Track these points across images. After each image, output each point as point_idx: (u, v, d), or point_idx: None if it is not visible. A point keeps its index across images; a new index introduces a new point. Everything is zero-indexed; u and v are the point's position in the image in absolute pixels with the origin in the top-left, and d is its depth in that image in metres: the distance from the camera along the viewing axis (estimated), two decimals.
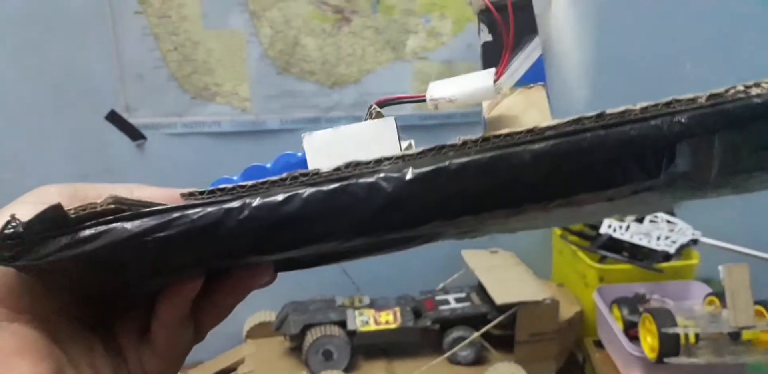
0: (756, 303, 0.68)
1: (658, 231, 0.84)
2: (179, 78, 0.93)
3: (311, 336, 0.86)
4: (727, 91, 0.20)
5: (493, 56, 0.28)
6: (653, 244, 0.84)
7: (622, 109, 0.20)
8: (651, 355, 0.69)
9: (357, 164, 0.21)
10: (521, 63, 0.28)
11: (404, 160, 0.20)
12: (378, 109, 0.29)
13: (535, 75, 0.29)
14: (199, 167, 0.94)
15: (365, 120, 0.29)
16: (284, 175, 0.21)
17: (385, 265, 1.01)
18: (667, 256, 0.84)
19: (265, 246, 0.21)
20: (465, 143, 0.20)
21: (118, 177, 0.94)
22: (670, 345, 0.66)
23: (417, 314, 0.89)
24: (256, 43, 0.91)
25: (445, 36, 0.94)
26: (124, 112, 0.93)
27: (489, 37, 0.29)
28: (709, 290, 0.80)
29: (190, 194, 0.22)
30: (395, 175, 0.20)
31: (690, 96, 0.20)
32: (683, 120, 0.20)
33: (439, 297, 0.92)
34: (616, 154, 0.20)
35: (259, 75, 0.93)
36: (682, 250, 0.85)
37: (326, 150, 0.26)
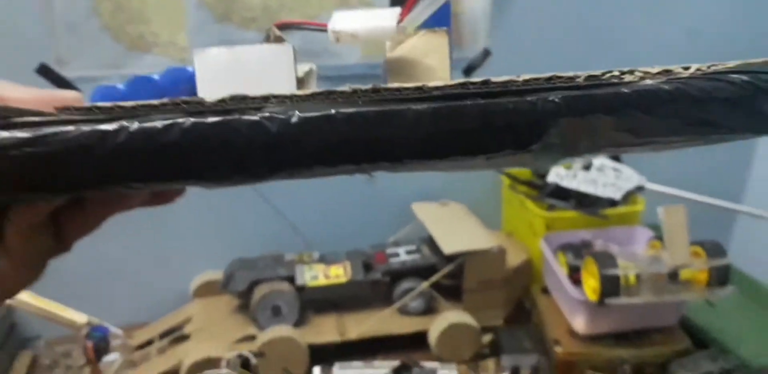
0: (694, 243, 0.70)
1: (604, 178, 0.85)
2: (113, 28, 0.88)
3: (259, 293, 0.85)
4: (603, 74, 0.22)
5: None
6: (599, 191, 0.85)
7: (506, 78, 0.21)
8: (593, 297, 0.70)
9: (243, 98, 0.20)
10: (427, 5, 0.28)
11: (292, 100, 0.20)
12: (278, 33, 0.28)
13: (440, 19, 0.29)
14: None
15: (263, 42, 0.28)
16: (166, 100, 0.20)
17: (336, 220, 1.00)
18: (613, 203, 0.85)
19: (140, 176, 0.20)
20: (355, 91, 0.21)
21: None
22: (610, 286, 0.67)
23: (367, 267, 0.89)
24: None
25: None
26: (56, 65, 0.88)
27: None
28: (652, 234, 0.81)
29: (66, 108, 0.21)
30: (281, 116, 0.20)
31: (570, 74, 0.22)
32: (557, 100, 0.21)
33: (389, 250, 0.92)
34: (492, 124, 0.21)
35: (197, 23, 0.89)
36: (629, 197, 0.86)
37: (218, 69, 0.25)
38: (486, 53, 0.77)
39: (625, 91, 0.21)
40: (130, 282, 0.97)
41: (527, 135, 0.21)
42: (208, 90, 0.25)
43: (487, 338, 0.85)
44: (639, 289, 0.69)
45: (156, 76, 0.28)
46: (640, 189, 0.85)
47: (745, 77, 0.22)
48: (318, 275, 0.87)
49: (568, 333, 0.79)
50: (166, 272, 0.97)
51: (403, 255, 0.90)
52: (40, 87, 0.83)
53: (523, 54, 0.94)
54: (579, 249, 0.79)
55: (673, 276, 0.69)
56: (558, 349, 0.77)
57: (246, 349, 0.79)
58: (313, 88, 0.28)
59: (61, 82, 0.89)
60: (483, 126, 0.21)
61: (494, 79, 0.21)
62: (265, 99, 0.20)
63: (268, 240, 0.96)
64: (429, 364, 0.79)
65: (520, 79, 0.21)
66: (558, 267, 0.78)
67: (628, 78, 0.22)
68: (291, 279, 0.86)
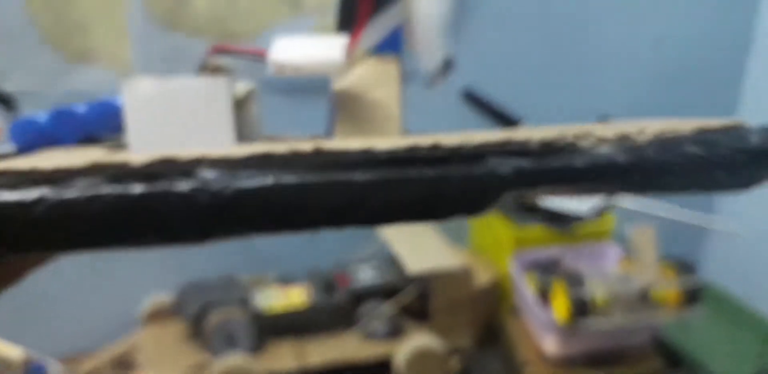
0: (665, 260, 0.67)
1: None
2: (53, 40, 0.83)
3: (212, 319, 0.80)
4: (557, 139, 0.21)
5: (349, 12, 0.26)
6: (569, 207, 0.82)
7: (457, 142, 0.21)
8: (562, 319, 0.67)
9: (173, 161, 0.19)
10: (378, 28, 0.26)
11: (227, 163, 0.19)
12: (216, 64, 0.26)
13: (392, 44, 0.27)
14: None
15: (199, 69, 0.26)
16: (89, 163, 0.19)
17: (294, 237, 0.95)
18: (582, 218, 0.82)
19: (61, 245, 0.19)
20: (296, 154, 0.20)
21: None
22: (579, 308, 0.64)
23: (328, 289, 0.85)
24: None
25: None
26: None
27: None
28: (623, 252, 0.79)
29: None
30: (213, 188, 0.18)
31: (523, 137, 0.21)
32: (508, 173, 0.20)
33: (351, 269, 0.87)
34: (441, 195, 0.20)
35: (141, 34, 0.84)
36: (599, 212, 0.83)
37: (148, 104, 0.23)
38: (448, 64, 0.74)
39: (578, 165, 0.21)
40: (73, 308, 0.92)
41: (477, 204, 0.21)
42: (137, 127, 0.24)
43: (455, 360, 0.81)
44: (609, 310, 0.66)
45: (81, 109, 0.26)
46: (610, 204, 0.83)
47: (699, 151, 0.22)
48: (275, 299, 0.83)
49: (538, 355, 0.75)
50: (111, 296, 0.92)
51: (365, 275, 0.85)
52: None
53: (487, 61, 0.92)
54: (548, 269, 0.76)
55: (644, 296, 0.66)
56: (528, 372, 0.73)
57: None
58: (253, 110, 0.27)
59: None
60: (431, 197, 0.20)
61: (444, 142, 0.21)
62: (198, 161, 0.19)
63: (221, 259, 0.91)
64: None
65: (472, 143, 0.21)
66: (526, 288, 0.75)
67: (582, 143, 0.22)
68: (246, 302, 0.82)
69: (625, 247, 0.80)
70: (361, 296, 0.84)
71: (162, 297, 0.90)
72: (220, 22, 0.85)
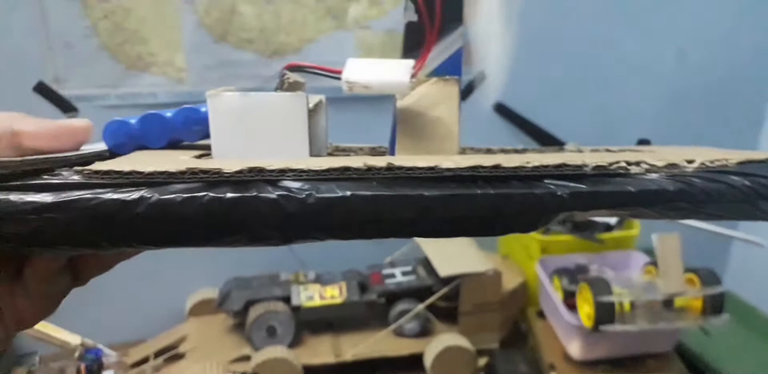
0: (689, 270, 0.70)
1: None
2: (111, 47, 0.89)
3: (254, 313, 0.84)
4: (611, 164, 0.23)
5: (415, 38, 0.28)
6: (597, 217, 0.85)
7: (516, 163, 0.22)
8: (587, 323, 0.70)
9: (260, 170, 0.21)
10: (440, 52, 0.28)
11: (308, 174, 0.21)
12: (292, 79, 0.28)
13: (452, 66, 0.29)
14: None
15: (277, 86, 0.28)
16: (184, 168, 0.20)
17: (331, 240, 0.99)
18: (608, 227, 0.85)
19: (156, 242, 0.21)
20: (369, 169, 0.21)
21: None
22: (604, 313, 0.67)
23: (363, 288, 0.89)
24: (191, 10, 0.87)
25: (387, 4, 0.91)
26: (54, 83, 0.89)
27: (414, 17, 0.28)
28: (648, 259, 0.81)
29: (87, 171, 0.21)
30: (297, 196, 0.20)
31: (579, 162, 0.22)
32: (564, 195, 0.22)
33: (385, 271, 0.91)
34: (501, 213, 0.22)
35: (194, 44, 0.89)
36: (624, 221, 0.86)
37: (231, 115, 0.25)
38: (481, 77, 0.78)
39: (631, 190, 0.22)
40: (126, 301, 0.97)
41: (533, 222, 0.22)
42: (221, 135, 0.26)
43: (482, 361, 0.84)
44: (633, 316, 0.69)
45: (169, 114, 0.27)
46: None
47: (746, 181, 0.23)
48: (313, 295, 0.87)
49: (564, 357, 0.78)
50: (160, 290, 0.97)
51: (399, 277, 0.89)
52: (37, 105, 0.83)
53: (516, 73, 0.94)
54: (574, 274, 0.79)
55: (668, 303, 0.69)
56: None
57: (240, 370, 0.79)
58: (322, 120, 0.29)
59: (58, 101, 0.90)
60: (492, 214, 0.21)
61: (504, 164, 0.22)
62: (282, 172, 0.21)
63: (263, 259, 0.96)
64: None
65: (530, 165, 0.22)
66: (553, 292, 0.78)
67: (634, 170, 0.23)
68: (286, 300, 0.86)
69: (650, 255, 0.82)
70: (395, 296, 0.88)
71: (208, 292, 0.95)
72: (268, 34, 0.90)
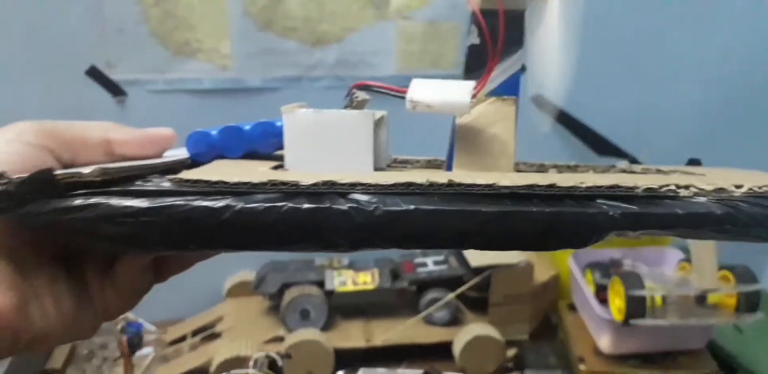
0: (723, 268, 0.69)
1: None
2: (160, 34, 0.91)
3: (289, 295, 0.87)
4: (661, 187, 0.24)
5: (476, 60, 0.30)
6: None
7: (570, 183, 0.23)
8: (618, 317, 0.70)
9: (333, 183, 0.23)
10: (499, 73, 0.30)
11: (376, 188, 0.23)
12: (361, 98, 0.30)
13: (510, 87, 0.30)
14: (180, 124, 0.92)
15: (346, 102, 0.30)
16: (266, 179, 0.22)
17: None
18: None
19: (238, 245, 0.22)
20: (432, 184, 0.23)
21: None
22: (636, 307, 0.67)
23: (395, 276, 0.90)
24: None
25: None
26: (105, 68, 0.92)
27: (477, 41, 0.29)
28: (682, 256, 0.81)
29: (178, 179, 0.23)
30: (366, 208, 0.22)
31: (630, 183, 0.24)
32: (616, 215, 0.23)
33: (417, 260, 0.93)
34: (555, 230, 0.23)
35: (240, 32, 0.91)
36: None
37: (304, 130, 0.28)
38: (522, 68, 0.77)
39: (679, 212, 0.23)
40: (168, 280, 1.00)
41: (585, 239, 0.23)
42: (294, 148, 0.28)
43: (511, 352, 0.85)
44: (665, 311, 0.68)
45: (247, 127, 0.30)
46: None
47: None
48: (346, 281, 0.89)
49: (594, 351, 0.79)
50: (201, 272, 0.99)
51: (430, 266, 0.91)
52: (89, 88, 0.86)
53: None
54: (607, 268, 0.79)
55: (701, 299, 0.68)
56: (582, 367, 0.77)
57: (274, 350, 0.81)
58: (385, 134, 0.31)
59: (108, 85, 0.93)
60: (546, 231, 0.23)
61: (559, 183, 0.23)
62: (353, 185, 0.23)
63: None
64: None
65: (584, 185, 0.23)
66: (585, 286, 0.78)
67: (683, 193, 0.24)
68: (320, 284, 0.88)
69: (685, 252, 0.82)
70: (426, 284, 0.89)
71: (245, 274, 0.98)
72: (312, 23, 0.91)
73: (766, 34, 0.99)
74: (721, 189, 0.24)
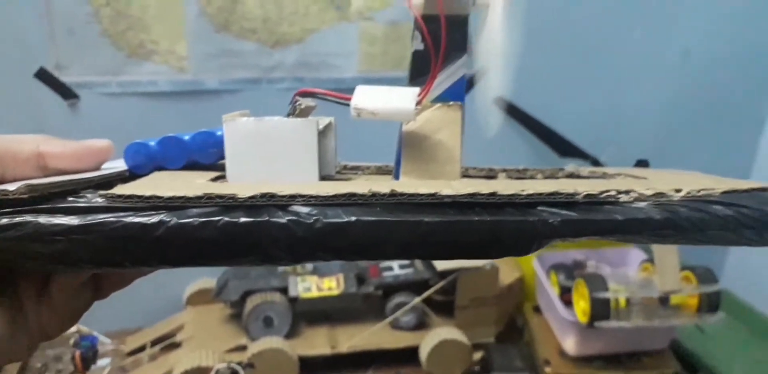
0: (685, 268, 0.70)
1: None
2: (113, 35, 0.88)
3: (251, 303, 0.85)
4: (601, 193, 0.24)
5: (421, 66, 0.29)
6: None
7: (512, 191, 0.23)
8: (583, 319, 0.70)
9: (272, 196, 0.22)
10: (444, 79, 0.29)
11: (317, 199, 0.22)
12: (304, 105, 0.30)
13: (456, 93, 0.30)
14: (135, 127, 0.90)
15: (289, 110, 0.29)
16: (201, 193, 0.22)
17: None
18: None
19: (173, 262, 0.22)
20: (374, 195, 0.23)
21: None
22: (600, 309, 0.67)
23: (360, 280, 0.89)
24: None
25: None
26: (55, 70, 0.89)
27: (420, 46, 0.29)
28: (645, 257, 0.81)
29: (107, 194, 0.22)
30: (306, 221, 0.22)
31: (571, 190, 0.24)
32: (556, 223, 0.23)
33: (383, 264, 0.91)
34: (496, 238, 0.23)
35: (197, 33, 0.88)
36: None
37: (245, 139, 0.27)
38: (482, 72, 0.77)
39: (619, 218, 0.23)
40: (124, 289, 0.97)
41: (527, 247, 0.23)
42: (235, 158, 0.27)
43: (478, 355, 0.85)
44: (629, 313, 0.69)
45: (186, 137, 0.29)
46: None
47: (729, 211, 0.24)
48: (311, 287, 0.87)
49: (559, 353, 0.79)
50: (160, 280, 0.97)
51: (396, 270, 0.90)
52: (39, 90, 0.82)
53: (521, 71, 0.94)
54: (571, 270, 0.79)
55: (664, 300, 0.69)
56: (548, 369, 0.77)
57: (236, 359, 0.79)
58: (332, 141, 0.30)
59: (59, 87, 0.90)
60: (489, 240, 0.23)
61: (501, 191, 0.23)
62: (292, 197, 0.22)
63: None
64: None
65: (525, 193, 0.23)
66: (550, 288, 0.78)
67: (623, 198, 0.24)
68: (284, 290, 0.87)
69: (647, 253, 0.83)
70: (392, 288, 0.88)
71: (205, 282, 0.95)
72: (270, 25, 0.89)
73: (725, 35, 1.01)
74: (660, 194, 0.25)
